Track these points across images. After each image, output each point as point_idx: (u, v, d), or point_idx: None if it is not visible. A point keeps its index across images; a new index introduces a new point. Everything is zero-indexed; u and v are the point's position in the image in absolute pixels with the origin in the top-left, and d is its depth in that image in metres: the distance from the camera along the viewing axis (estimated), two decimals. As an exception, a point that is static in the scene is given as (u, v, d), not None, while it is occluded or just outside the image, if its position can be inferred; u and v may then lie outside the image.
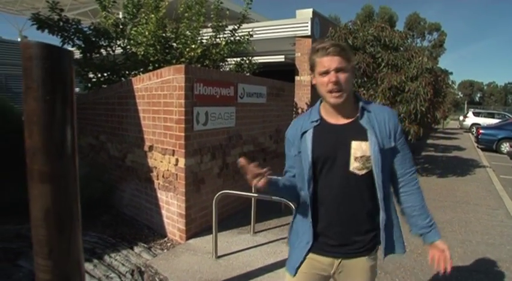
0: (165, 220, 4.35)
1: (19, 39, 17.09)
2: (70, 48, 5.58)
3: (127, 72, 5.72)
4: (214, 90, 4.31)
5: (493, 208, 5.87)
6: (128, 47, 5.54)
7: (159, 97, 4.20)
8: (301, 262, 1.66)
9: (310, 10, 7.87)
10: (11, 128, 8.00)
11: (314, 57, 1.57)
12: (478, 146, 14.34)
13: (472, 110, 24.42)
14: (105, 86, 5.83)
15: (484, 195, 6.71)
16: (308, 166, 1.60)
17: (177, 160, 4.03)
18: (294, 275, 1.69)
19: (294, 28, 7.94)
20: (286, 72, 8.31)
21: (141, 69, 5.72)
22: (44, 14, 5.50)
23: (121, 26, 5.91)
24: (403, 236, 1.71)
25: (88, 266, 3.56)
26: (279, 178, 1.70)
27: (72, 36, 5.61)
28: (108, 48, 5.92)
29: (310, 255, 1.66)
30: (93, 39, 5.70)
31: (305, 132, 1.65)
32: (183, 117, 3.89)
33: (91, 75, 5.99)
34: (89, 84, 6.11)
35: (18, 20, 18.05)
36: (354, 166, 1.55)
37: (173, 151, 4.06)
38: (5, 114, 8.04)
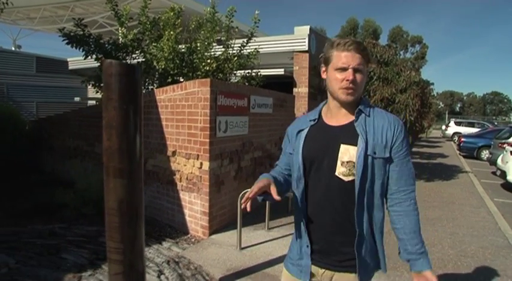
0: (188, 218, 4.81)
1: (13, 48, 17.30)
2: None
3: (146, 83, 6.19)
4: (232, 101, 4.83)
5: (475, 206, 6.53)
6: (148, 61, 6.00)
7: (183, 107, 4.70)
8: (310, 266, 1.59)
9: (307, 27, 8.52)
10: (21, 135, 8.37)
11: (332, 50, 1.49)
12: (460, 154, 15.23)
13: (453, 119, 25.57)
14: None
15: (467, 196, 7.38)
16: (297, 165, 1.57)
17: (201, 164, 4.52)
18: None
19: (293, 43, 8.57)
20: (284, 84, 8.90)
21: (156, 82, 6.22)
22: (68, 29, 5.98)
23: (136, 42, 6.41)
24: (380, 258, 1.60)
25: (126, 257, 3.99)
26: (276, 177, 1.62)
27: (94, 50, 6.07)
28: (126, 62, 6.40)
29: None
30: (113, 53, 6.17)
31: (301, 130, 1.62)
32: (208, 125, 4.40)
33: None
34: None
35: (13, 29, 18.21)
36: (340, 170, 1.48)
37: (197, 155, 4.55)
38: (15, 123, 8.41)
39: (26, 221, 5.48)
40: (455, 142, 20.08)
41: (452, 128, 22.84)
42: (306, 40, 8.43)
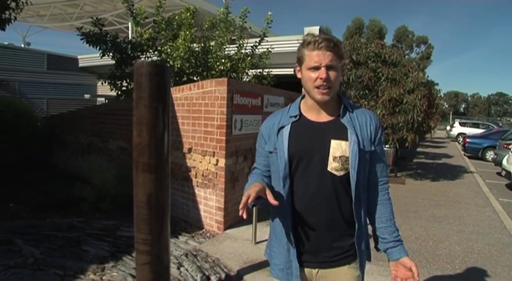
0: (203, 213, 4.97)
1: (23, 46, 17.53)
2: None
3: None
4: (247, 100, 4.98)
5: (481, 206, 6.66)
6: (163, 60, 6.15)
7: (200, 105, 4.85)
8: (298, 267, 1.56)
9: (317, 27, 8.66)
10: (34, 131, 8.55)
11: (304, 50, 1.49)
12: (464, 154, 15.32)
13: (458, 120, 25.58)
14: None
15: (472, 196, 7.51)
16: (283, 163, 1.53)
17: (217, 160, 4.68)
18: None
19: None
20: (293, 83, 9.01)
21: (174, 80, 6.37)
22: (85, 28, 6.15)
23: (151, 41, 6.56)
24: (369, 248, 1.66)
25: (145, 249, 4.15)
26: (267, 182, 1.60)
27: (110, 49, 6.23)
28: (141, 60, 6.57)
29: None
30: (129, 52, 6.33)
31: (282, 127, 1.58)
32: (224, 123, 4.55)
33: (125, 84, 6.60)
34: (120, 92, 6.72)
35: (22, 26, 18.43)
36: (332, 166, 1.49)
37: (213, 152, 4.71)
38: (29, 119, 8.60)
39: (44, 214, 5.66)
40: (459, 143, 20.17)
41: (457, 128, 22.90)
42: (315, 40, 8.55)
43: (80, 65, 14.28)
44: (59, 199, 6.08)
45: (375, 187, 1.61)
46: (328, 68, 1.44)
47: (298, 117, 1.58)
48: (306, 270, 1.59)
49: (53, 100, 13.36)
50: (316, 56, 1.44)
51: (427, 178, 9.30)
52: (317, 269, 1.57)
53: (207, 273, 3.60)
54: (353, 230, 1.54)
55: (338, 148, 1.49)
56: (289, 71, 9.27)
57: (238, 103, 4.74)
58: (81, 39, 6.03)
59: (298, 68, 1.56)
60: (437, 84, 30.23)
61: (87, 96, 14.42)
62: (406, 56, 35.05)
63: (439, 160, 13.36)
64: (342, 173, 1.49)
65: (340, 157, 1.48)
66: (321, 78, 1.44)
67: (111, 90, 6.82)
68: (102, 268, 3.67)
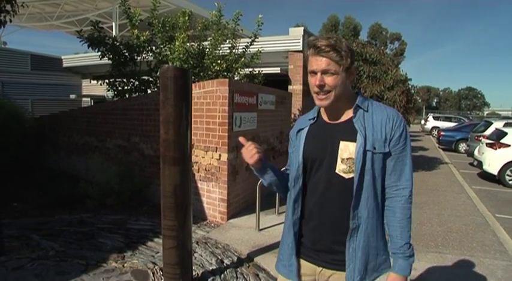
0: (206, 205, 5.32)
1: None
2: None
3: (157, 82, 6.63)
4: (245, 99, 5.35)
5: (457, 192, 7.29)
6: (160, 61, 6.43)
7: (202, 104, 5.19)
8: (297, 267, 1.62)
9: (302, 28, 9.13)
10: (25, 133, 8.64)
11: (308, 54, 1.50)
12: (439, 147, 16.19)
13: (432, 114, 26.72)
14: (135, 94, 6.73)
15: (449, 184, 8.15)
16: (297, 164, 1.57)
17: (219, 155, 5.04)
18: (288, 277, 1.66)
19: (287, 43, 9.13)
20: (279, 82, 9.45)
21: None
22: (85, 32, 6.36)
23: (147, 43, 6.83)
24: (385, 255, 1.56)
25: (158, 241, 4.47)
26: (273, 165, 1.70)
27: (108, 50, 6.46)
28: (137, 61, 6.81)
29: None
30: (126, 53, 6.58)
31: (301, 129, 1.63)
32: (226, 120, 4.91)
33: (122, 85, 6.84)
34: (116, 92, 6.96)
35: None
36: (340, 168, 1.48)
37: (216, 148, 5.06)
38: (21, 121, 8.68)
39: (50, 212, 5.87)
40: (434, 136, 21.14)
41: (431, 122, 23.95)
42: (301, 40, 9.02)
43: (64, 65, 14.25)
44: (62, 197, 6.29)
45: (387, 190, 1.53)
46: (324, 72, 1.43)
47: (315, 119, 1.62)
48: (311, 266, 1.60)
49: (37, 101, 13.32)
50: (314, 61, 1.45)
51: (406, 169, 9.91)
52: (321, 268, 1.58)
53: (220, 257, 3.97)
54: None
55: (346, 150, 1.47)
56: (275, 70, 9.70)
57: (238, 102, 5.11)
58: (81, 41, 6.25)
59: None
60: (410, 79, 31.29)
61: (72, 96, 14.41)
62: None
63: (415, 153, 14.10)
64: (350, 175, 1.46)
65: (347, 158, 1.46)
66: (315, 85, 1.45)
67: (108, 90, 7.04)
68: (122, 256, 3.98)
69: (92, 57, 13.69)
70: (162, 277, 3.43)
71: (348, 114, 1.53)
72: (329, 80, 1.44)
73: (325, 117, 1.60)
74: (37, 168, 8.75)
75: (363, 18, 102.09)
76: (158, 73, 6.85)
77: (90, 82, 14.84)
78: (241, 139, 1.61)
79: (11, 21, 7.01)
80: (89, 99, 13.47)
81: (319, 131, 1.58)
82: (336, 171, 1.48)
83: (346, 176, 1.47)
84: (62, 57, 14.48)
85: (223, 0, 6.75)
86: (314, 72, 1.46)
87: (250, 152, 1.53)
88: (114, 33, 13.56)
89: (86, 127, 7.84)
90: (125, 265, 3.80)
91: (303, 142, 1.58)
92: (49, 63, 14.16)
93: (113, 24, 14.00)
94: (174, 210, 3.16)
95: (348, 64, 1.44)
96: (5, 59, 12.80)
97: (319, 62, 1.43)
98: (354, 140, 1.46)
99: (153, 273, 3.60)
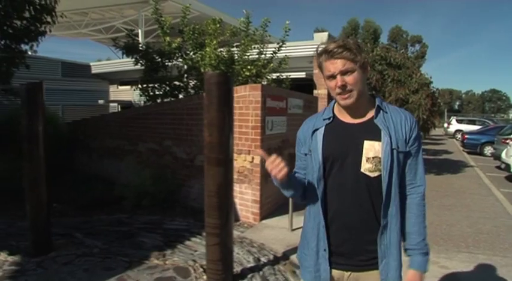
0: (238, 206, 5.50)
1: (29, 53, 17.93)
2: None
3: (188, 88, 6.89)
4: (276, 103, 5.53)
5: (484, 195, 7.27)
6: (191, 67, 6.68)
7: (234, 109, 5.36)
8: (330, 271, 1.57)
9: (326, 33, 9.27)
10: (60, 137, 9.03)
11: (321, 60, 1.53)
12: (463, 150, 15.98)
13: (455, 117, 26.34)
14: (167, 99, 6.99)
15: (476, 187, 8.12)
16: (318, 165, 1.55)
17: (252, 158, 5.22)
18: None
19: (312, 48, 9.26)
20: (304, 86, 9.60)
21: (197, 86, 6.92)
22: (120, 40, 6.68)
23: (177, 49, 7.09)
24: (400, 264, 1.55)
25: (195, 240, 4.67)
26: (293, 176, 1.68)
27: (142, 58, 6.75)
28: (168, 67, 7.08)
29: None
30: (158, 59, 6.85)
31: (316, 130, 1.60)
32: (259, 124, 5.09)
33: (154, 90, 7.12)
34: (148, 97, 7.23)
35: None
36: (366, 167, 1.49)
37: (249, 150, 5.25)
38: (56, 126, 9.07)
39: (89, 212, 6.15)
40: (457, 140, 20.85)
41: (454, 125, 23.64)
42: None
43: (93, 71, 14.77)
44: (98, 198, 6.57)
45: (407, 188, 1.58)
46: (343, 73, 1.46)
47: (331, 119, 1.60)
48: (337, 272, 1.58)
49: (68, 106, 13.84)
50: (330, 65, 1.47)
51: (431, 172, 9.89)
52: (349, 272, 1.57)
53: (256, 255, 4.13)
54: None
55: (371, 149, 1.49)
56: (301, 74, 9.86)
57: (269, 106, 5.29)
58: (116, 48, 6.55)
59: (323, 77, 1.58)
60: (431, 82, 30.90)
61: (100, 102, 14.90)
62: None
63: (440, 156, 13.99)
64: (375, 174, 1.49)
65: (373, 157, 1.48)
66: (338, 86, 1.46)
67: (140, 96, 7.32)
68: (163, 254, 4.18)
69: (119, 64, 14.17)
70: (203, 274, 3.62)
71: (368, 114, 1.56)
72: (349, 79, 1.46)
73: (342, 117, 1.59)
74: (69, 171, 9.12)
75: (382, 20, 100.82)
76: (186, 77, 7.13)
77: (118, 88, 15.37)
78: (262, 153, 1.56)
79: (50, 31, 7.42)
80: (116, 104, 13.92)
81: (338, 131, 1.57)
82: (362, 170, 1.49)
83: (372, 175, 1.49)
84: (91, 64, 15.02)
85: (240, 5, 6.99)
86: (332, 76, 1.48)
87: (277, 167, 1.45)
88: (140, 39, 13.96)
89: (118, 131, 8.13)
90: (166, 262, 3.99)
91: (321, 142, 1.57)
92: (78, 70, 14.71)
93: (139, 31, 14.43)
94: (217, 209, 3.34)
95: (362, 60, 1.48)
96: (37, 67, 13.34)
97: (335, 65, 1.46)
98: (378, 139, 1.48)
99: (194, 270, 3.79)
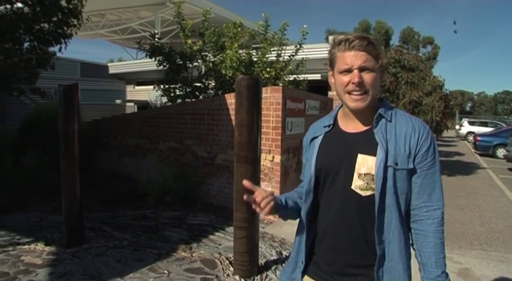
0: (258, 203, 5.72)
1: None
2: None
3: (208, 89, 7.15)
4: (295, 105, 5.75)
5: (497, 196, 7.42)
6: (211, 69, 6.94)
7: (256, 111, 5.62)
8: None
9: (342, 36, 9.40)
10: (82, 136, 9.33)
11: (334, 51, 1.33)
12: (475, 152, 16.02)
13: (466, 119, 26.25)
14: (188, 100, 7.26)
15: (488, 188, 8.25)
16: (309, 177, 1.42)
17: (273, 157, 5.45)
18: None
19: (327, 50, 9.44)
20: (319, 88, 9.79)
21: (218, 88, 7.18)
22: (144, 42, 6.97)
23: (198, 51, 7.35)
24: None
25: (219, 234, 4.92)
26: (287, 196, 1.56)
27: (165, 59, 7.02)
28: (189, 69, 7.35)
29: (306, 277, 1.47)
30: (180, 61, 7.11)
31: (315, 138, 1.47)
32: (279, 125, 5.32)
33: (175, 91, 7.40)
34: (169, 98, 7.51)
35: None
36: (357, 184, 1.31)
37: (269, 150, 5.48)
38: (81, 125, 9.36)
39: (114, 207, 6.44)
40: (469, 141, 20.83)
41: (466, 127, 23.59)
42: (340, 48, 9.32)
43: (110, 72, 15.14)
44: (122, 194, 6.87)
45: (415, 212, 1.35)
46: (362, 69, 1.26)
47: (331, 126, 1.45)
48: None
49: (86, 105, 14.21)
50: (347, 58, 1.27)
51: (444, 174, 10.00)
52: None
53: (278, 249, 4.36)
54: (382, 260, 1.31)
55: (364, 164, 1.30)
56: (316, 76, 10.05)
57: (289, 107, 5.52)
58: (141, 51, 6.84)
59: (330, 73, 1.40)
60: (444, 84, 30.81)
61: (118, 101, 15.26)
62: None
63: (451, 158, 14.07)
64: (367, 193, 1.30)
65: (365, 174, 1.30)
66: (353, 83, 1.26)
67: (162, 96, 7.60)
68: (190, 247, 4.43)
69: (136, 64, 14.51)
70: (230, 266, 3.85)
71: (369, 123, 1.36)
72: (367, 77, 1.27)
73: (343, 125, 1.42)
74: (90, 168, 9.43)
75: (393, 21, 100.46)
76: (205, 79, 7.39)
77: (134, 88, 15.70)
78: (247, 183, 1.40)
79: (76, 33, 7.75)
80: (132, 104, 14.25)
81: (335, 141, 1.41)
82: (352, 187, 1.32)
83: (363, 193, 1.31)
84: (108, 64, 15.40)
85: (255, 7, 7.26)
86: (348, 70, 1.27)
87: (263, 204, 1.33)
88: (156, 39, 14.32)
89: (139, 130, 8.42)
90: (193, 254, 4.23)
91: (316, 152, 1.42)
92: (96, 70, 15.10)
93: (155, 32, 14.77)
94: (245, 204, 3.54)
95: (383, 61, 1.34)
96: (57, 67, 13.71)
97: (357, 57, 1.26)
98: (373, 153, 1.29)
99: (221, 262, 4.02)
